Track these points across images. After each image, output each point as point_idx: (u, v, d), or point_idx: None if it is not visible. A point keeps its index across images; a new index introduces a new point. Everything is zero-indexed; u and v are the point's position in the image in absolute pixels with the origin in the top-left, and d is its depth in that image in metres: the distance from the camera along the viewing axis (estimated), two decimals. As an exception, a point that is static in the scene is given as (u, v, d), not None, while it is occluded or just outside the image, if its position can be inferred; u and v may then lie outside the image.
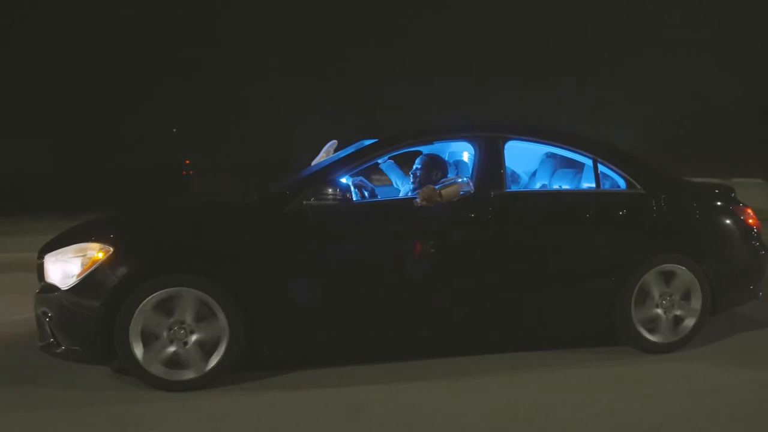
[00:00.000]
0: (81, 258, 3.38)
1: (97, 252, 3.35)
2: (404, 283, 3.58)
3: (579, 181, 4.26)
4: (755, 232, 4.20)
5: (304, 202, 3.48)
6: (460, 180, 3.59)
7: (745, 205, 4.28)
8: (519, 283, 3.70)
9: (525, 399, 3.21)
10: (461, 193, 3.55)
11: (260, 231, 3.46)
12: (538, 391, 3.31)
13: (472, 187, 3.59)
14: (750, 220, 4.21)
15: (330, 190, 3.45)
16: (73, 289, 3.33)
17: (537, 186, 4.50)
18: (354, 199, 3.97)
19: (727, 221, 4.15)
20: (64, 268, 3.41)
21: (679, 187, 4.18)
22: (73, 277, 3.36)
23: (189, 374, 3.34)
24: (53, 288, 3.41)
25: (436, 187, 3.58)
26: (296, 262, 3.46)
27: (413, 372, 3.57)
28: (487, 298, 3.65)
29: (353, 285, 3.53)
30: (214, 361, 3.34)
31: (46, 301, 3.44)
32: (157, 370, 3.30)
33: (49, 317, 3.42)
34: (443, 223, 3.60)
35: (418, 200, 3.52)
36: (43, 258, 3.53)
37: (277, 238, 3.44)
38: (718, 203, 4.20)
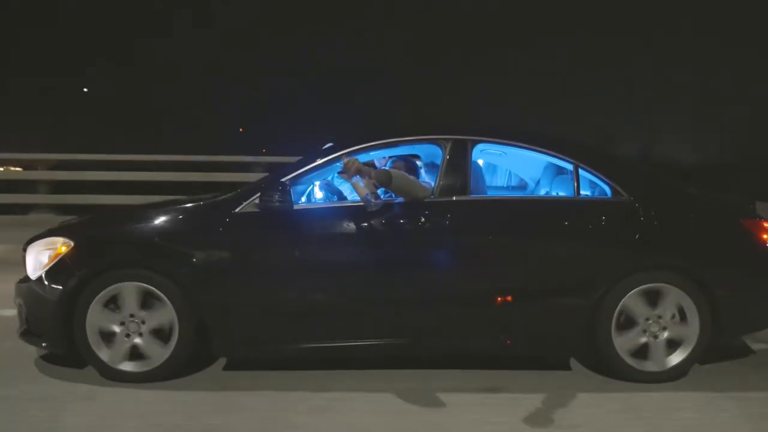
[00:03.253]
0: (49, 251, 3.55)
1: (61, 245, 3.51)
2: (351, 290, 3.49)
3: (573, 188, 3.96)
4: None
5: (255, 203, 3.48)
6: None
7: (763, 219, 3.80)
8: (472, 294, 3.49)
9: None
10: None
11: (209, 232, 3.49)
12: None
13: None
14: (765, 236, 3.73)
15: (279, 193, 3.40)
16: (39, 280, 3.50)
17: (541, 193, 4.25)
18: (317, 201, 3.95)
19: (737, 236, 3.70)
20: (36, 259, 3.59)
21: (678, 197, 3.80)
22: (40, 268, 3.53)
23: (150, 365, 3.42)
24: (27, 279, 3.60)
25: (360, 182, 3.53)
26: (242, 264, 3.47)
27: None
28: (437, 308, 3.48)
29: (296, 289, 3.48)
30: (171, 347, 3.40)
31: (21, 291, 3.63)
32: (122, 364, 3.42)
33: (23, 307, 3.61)
34: (396, 227, 3.48)
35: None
36: (26, 249, 3.74)
37: (225, 239, 3.47)
38: (726, 216, 3.78)
